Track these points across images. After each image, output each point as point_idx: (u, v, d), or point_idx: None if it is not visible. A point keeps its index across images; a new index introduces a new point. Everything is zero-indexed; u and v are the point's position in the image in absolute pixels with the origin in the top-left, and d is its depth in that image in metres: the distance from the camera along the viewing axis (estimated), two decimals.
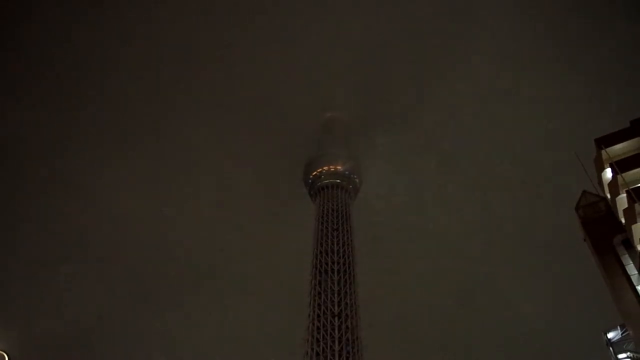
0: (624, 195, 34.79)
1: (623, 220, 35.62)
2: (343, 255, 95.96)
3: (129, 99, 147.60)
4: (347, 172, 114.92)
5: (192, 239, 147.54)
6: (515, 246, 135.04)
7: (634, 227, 33.65)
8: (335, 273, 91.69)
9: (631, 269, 34.59)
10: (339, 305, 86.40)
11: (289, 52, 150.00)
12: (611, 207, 37.87)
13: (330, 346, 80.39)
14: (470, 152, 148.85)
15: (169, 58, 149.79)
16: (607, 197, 38.51)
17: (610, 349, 38.52)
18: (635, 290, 33.29)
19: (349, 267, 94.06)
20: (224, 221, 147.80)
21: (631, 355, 37.21)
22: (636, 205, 32.64)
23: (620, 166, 35.57)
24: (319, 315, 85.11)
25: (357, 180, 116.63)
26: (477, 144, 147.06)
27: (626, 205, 34.06)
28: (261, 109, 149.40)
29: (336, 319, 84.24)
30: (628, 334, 37.15)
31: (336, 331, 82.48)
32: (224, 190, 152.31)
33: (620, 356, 37.93)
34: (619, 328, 37.70)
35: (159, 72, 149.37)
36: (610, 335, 37.94)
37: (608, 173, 37.36)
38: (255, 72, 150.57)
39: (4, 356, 31.05)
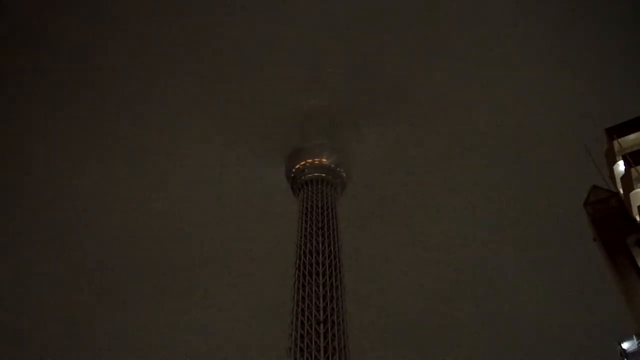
0: (639, 190, 33.25)
1: (637, 218, 33.48)
2: (329, 256, 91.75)
3: (109, 79, 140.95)
4: (333, 165, 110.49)
5: (167, 235, 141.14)
6: (517, 244, 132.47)
7: None
8: (321, 275, 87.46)
9: None
10: (324, 311, 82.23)
11: (275, 33, 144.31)
12: (624, 204, 35.52)
13: (315, 356, 76.61)
14: (471, 142, 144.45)
15: (150, 37, 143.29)
16: (619, 192, 36.40)
17: None
18: None
19: (336, 269, 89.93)
20: (200, 214, 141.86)
21: None
22: None
23: (634, 158, 33.64)
24: (302, 323, 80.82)
25: (344, 174, 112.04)
26: (479, 135, 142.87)
27: None
28: (243, 93, 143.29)
29: (321, 326, 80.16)
30: None
31: (321, 339, 78.35)
32: (202, 183, 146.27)
33: None
34: (634, 337, 34.78)
35: (140, 50, 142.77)
36: (625, 345, 34.97)
37: (620, 166, 35.50)
38: (239, 52, 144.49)
39: None
